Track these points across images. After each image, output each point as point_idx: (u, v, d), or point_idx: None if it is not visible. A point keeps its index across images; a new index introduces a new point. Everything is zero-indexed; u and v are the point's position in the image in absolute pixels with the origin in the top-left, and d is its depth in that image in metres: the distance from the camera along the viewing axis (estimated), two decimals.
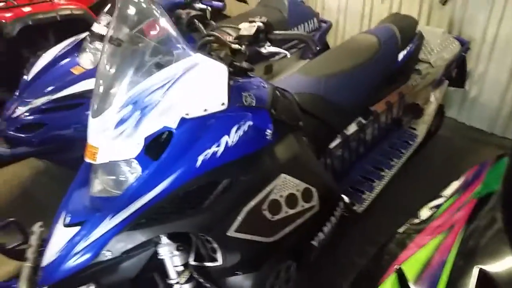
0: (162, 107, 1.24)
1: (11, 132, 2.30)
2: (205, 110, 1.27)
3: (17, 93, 2.44)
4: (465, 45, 2.67)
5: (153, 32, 1.31)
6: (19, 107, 2.33)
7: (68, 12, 3.15)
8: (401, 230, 1.21)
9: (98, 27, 2.51)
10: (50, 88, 2.34)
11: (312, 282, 1.90)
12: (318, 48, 1.39)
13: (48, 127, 2.27)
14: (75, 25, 3.09)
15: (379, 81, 2.07)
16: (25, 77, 2.51)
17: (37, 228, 1.54)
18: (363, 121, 2.11)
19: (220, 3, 2.48)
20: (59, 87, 2.34)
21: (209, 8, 2.44)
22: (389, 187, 2.17)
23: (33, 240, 1.49)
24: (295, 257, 1.52)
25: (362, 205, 1.98)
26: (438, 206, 1.24)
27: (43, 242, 1.40)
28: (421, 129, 2.50)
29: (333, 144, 1.96)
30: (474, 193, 1.18)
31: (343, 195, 1.81)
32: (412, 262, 1.02)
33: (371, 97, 2.09)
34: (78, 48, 2.57)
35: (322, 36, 3.36)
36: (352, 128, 2.06)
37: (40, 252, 1.39)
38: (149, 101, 1.24)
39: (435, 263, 0.98)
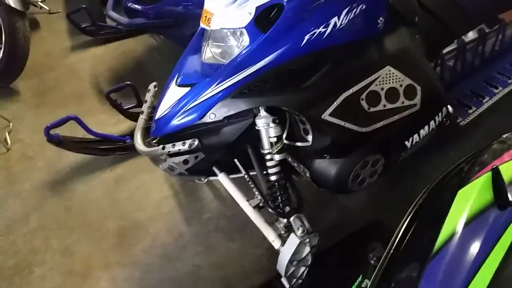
0: None
1: (130, 4, 2.46)
2: None
3: None
4: None
5: None
6: None
7: None
8: (504, 136, 1.14)
9: None
10: None
11: (391, 181, 1.93)
12: None
13: (163, 1, 2.37)
14: None
15: None
16: None
17: (152, 87, 1.71)
18: (486, 30, 1.91)
19: None
20: None
21: None
22: (493, 109, 2.00)
23: (148, 96, 1.68)
24: (385, 153, 1.53)
25: (465, 119, 1.87)
26: None
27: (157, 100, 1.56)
28: None
29: (447, 49, 1.83)
30: None
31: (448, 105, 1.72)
32: (510, 165, 0.99)
33: (503, 2, 1.85)
34: None
35: None
36: (472, 35, 1.88)
37: (153, 108, 1.56)
38: None
39: None
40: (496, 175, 0.95)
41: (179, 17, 2.36)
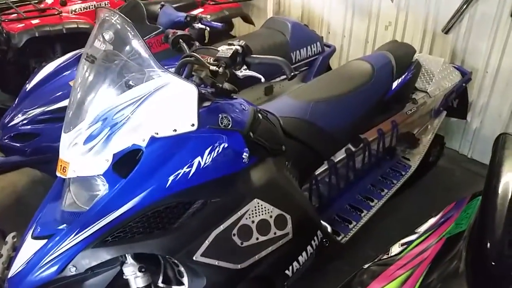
0: (132, 125, 1.24)
1: (6, 141, 2.33)
2: (175, 130, 1.26)
3: (15, 102, 2.48)
4: (466, 75, 2.63)
5: (127, 51, 1.32)
6: (16, 116, 2.37)
7: (74, 25, 3.23)
8: (366, 266, 1.17)
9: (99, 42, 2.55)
10: (47, 99, 2.38)
11: None
12: (293, 74, 1.38)
13: (41, 137, 2.29)
14: (81, 38, 3.15)
15: (371, 108, 2.05)
16: (25, 86, 2.56)
17: (10, 238, 1.54)
18: (352, 149, 2.08)
19: (219, 24, 2.50)
20: (56, 99, 2.37)
21: (207, 28, 2.46)
22: (381, 216, 2.11)
23: (4, 250, 1.49)
24: (267, 286, 1.48)
25: (347, 235, 1.93)
26: (410, 243, 1.21)
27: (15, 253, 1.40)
28: (414, 159, 2.44)
29: (319, 171, 1.94)
30: (445, 231, 1.14)
31: (326, 224, 1.76)
32: None
33: (362, 124, 2.06)
34: (78, 61, 2.60)
35: (325, 59, 3.35)
36: (340, 155, 2.03)
37: (10, 263, 1.39)
38: (118, 118, 1.25)
39: None
40: None
41: (57, 152, 2.27)
